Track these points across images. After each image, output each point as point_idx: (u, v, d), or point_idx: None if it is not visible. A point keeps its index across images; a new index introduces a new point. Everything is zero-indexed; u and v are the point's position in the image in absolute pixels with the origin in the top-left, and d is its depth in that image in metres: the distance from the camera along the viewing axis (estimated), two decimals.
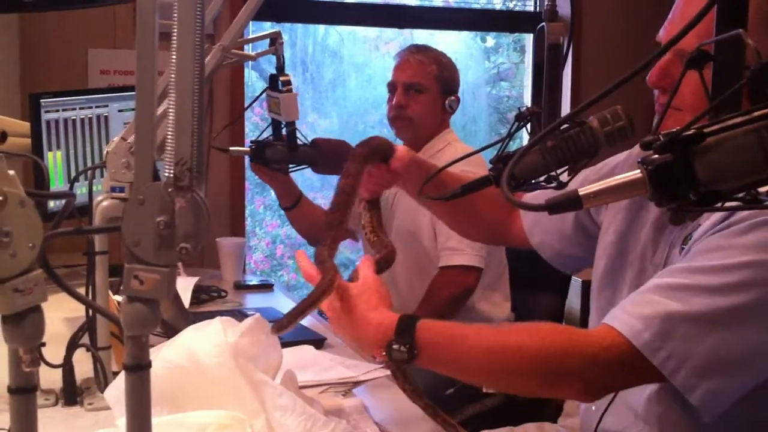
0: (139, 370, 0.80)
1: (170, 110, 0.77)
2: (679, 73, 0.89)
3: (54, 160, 2.43)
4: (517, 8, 4.21)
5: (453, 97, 2.83)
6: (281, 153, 1.91)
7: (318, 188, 4.75)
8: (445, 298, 2.56)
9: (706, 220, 1.28)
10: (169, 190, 0.77)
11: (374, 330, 1.27)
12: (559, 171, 1.26)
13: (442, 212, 1.77)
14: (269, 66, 2.00)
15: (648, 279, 1.37)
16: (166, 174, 0.77)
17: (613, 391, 1.32)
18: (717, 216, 1.25)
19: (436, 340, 1.25)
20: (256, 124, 4.20)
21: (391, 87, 2.82)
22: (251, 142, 2.00)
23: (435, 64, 2.80)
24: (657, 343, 1.18)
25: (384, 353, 1.25)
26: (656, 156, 0.80)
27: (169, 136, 0.76)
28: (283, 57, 1.92)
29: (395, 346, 1.23)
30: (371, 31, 4.62)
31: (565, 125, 1.25)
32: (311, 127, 4.45)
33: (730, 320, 1.19)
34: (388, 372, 1.77)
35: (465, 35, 4.51)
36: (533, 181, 1.28)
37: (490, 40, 4.76)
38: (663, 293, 1.21)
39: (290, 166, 2.27)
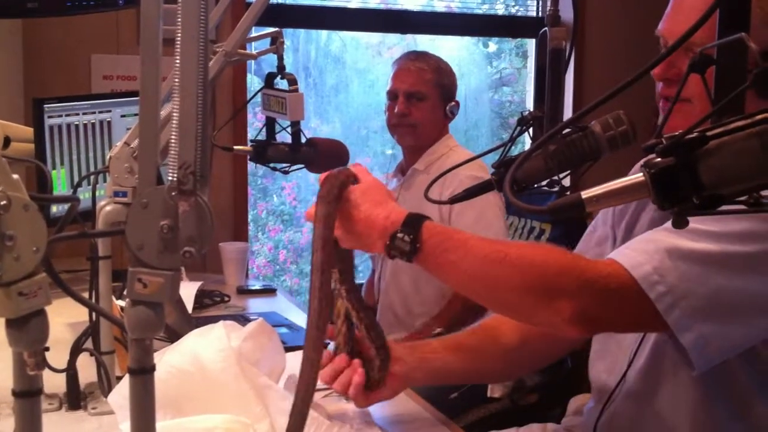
0: (143, 373, 0.80)
1: (174, 115, 0.77)
2: (684, 63, 0.89)
3: (57, 165, 2.43)
4: (519, 14, 4.21)
5: (453, 103, 2.86)
6: (283, 153, 1.90)
7: None
8: (463, 302, 2.56)
9: None
10: (173, 193, 0.77)
11: (382, 223, 1.24)
12: (561, 175, 1.27)
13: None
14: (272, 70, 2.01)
15: None
16: (170, 178, 0.77)
17: (605, 325, 1.28)
18: None
19: (440, 238, 1.23)
20: (258, 130, 4.20)
21: (392, 95, 2.85)
22: (251, 141, 1.99)
23: (435, 71, 2.83)
24: (656, 276, 1.17)
25: (387, 244, 1.23)
26: (659, 159, 0.81)
27: (172, 140, 0.77)
28: (283, 56, 1.92)
29: (399, 235, 1.22)
30: (374, 37, 4.63)
31: (568, 130, 1.26)
32: (314, 132, 4.46)
33: (734, 265, 1.17)
34: None
35: (467, 40, 4.51)
36: (535, 186, 1.28)
37: (492, 45, 4.77)
38: (668, 233, 1.20)
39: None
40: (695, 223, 1.19)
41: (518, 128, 1.38)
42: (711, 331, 1.17)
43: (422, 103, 2.80)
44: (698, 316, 1.17)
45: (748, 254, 1.17)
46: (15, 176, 0.76)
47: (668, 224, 1.19)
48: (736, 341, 1.21)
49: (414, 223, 1.23)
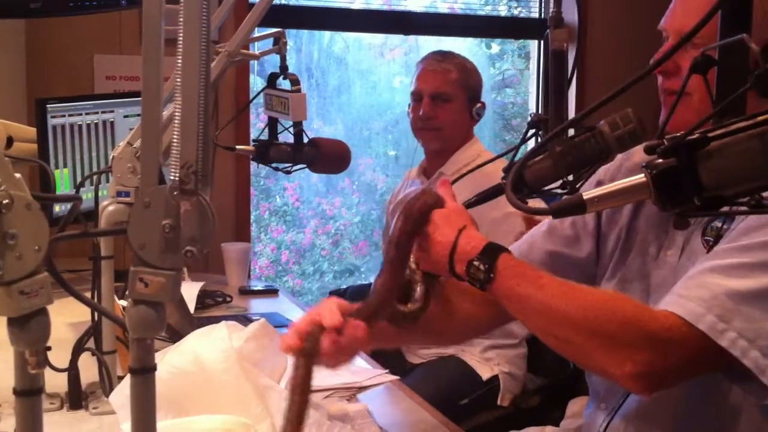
0: (144, 373, 0.80)
1: (176, 115, 0.77)
2: (682, 57, 0.89)
3: (60, 165, 2.44)
4: (521, 15, 4.21)
5: (479, 104, 2.76)
6: (285, 153, 1.90)
7: (323, 194, 4.76)
8: None
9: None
10: (175, 193, 0.77)
11: (461, 248, 1.25)
12: (571, 177, 1.26)
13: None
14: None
15: (657, 268, 1.37)
16: (172, 177, 0.77)
17: (670, 379, 1.24)
18: None
19: (515, 270, 1.23)
20: (260, 130, 4.20)
21: (416, 96, 2.74)
22: (254, 141, 1.99)
23: (461, 71, 2.74)
24: (722, 324, 1.15)
25: (464, 271, 1.24)
26: (660, 160, 0.81)
27: (174, 140, 0.77)
28: (286, 56, 1.92)
29: (476, 263, 1.22)
30: (376, 38, 4.63)
31: (575, 131, 1.26)
32: (316, 133, 4.44)
33: None
34: (393, 377, 1.78)
35: (470, 42, 4.52)
36: (544, 189, 1.28)
37: (495, 46, 4.77)
38: (717, 274, 1.19)
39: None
40: (742, 253, 1.19)
41: (529, 131, 1.37)
42: None
43: (448, 104, 2.70)
44: None
45: None
46: (18, 175, 0.76)
47: (711, 263, 1.20)
48: None
49: (491, 252, 1.23)
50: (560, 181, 1.28)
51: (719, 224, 1.30)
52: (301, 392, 1.11)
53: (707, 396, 1.31)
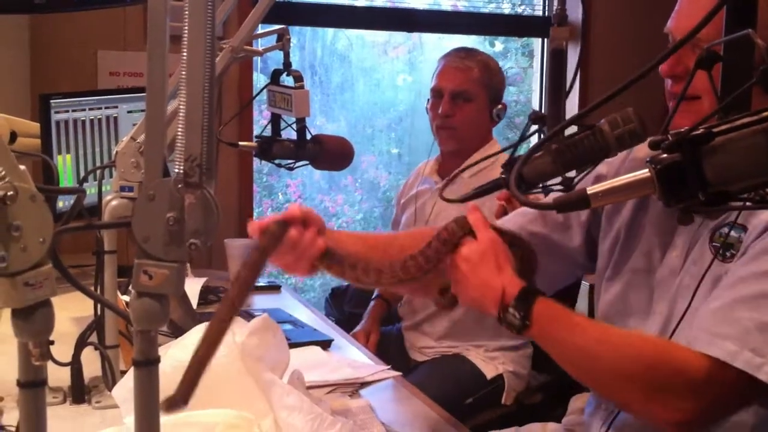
0: (147, 365, 0.80)
1: (180, 108, 0.77)
2: (691, 60, 0.89)
3: (63, 160, 2.44)
4: (525, 13, 4.21)
5: (500, 106, 2.67)
6: (288, 149, 1.90)
7: (326, 191, 4.76)
8: None
9: (751, 219, 1.27)
10: (179, 186, 0.77)
11: (497, 293, 1.25)
12: (570, 174, 1.26)
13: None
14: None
15: (660, 269, 1.37)
16: (176, 170, 0.77)
17: (713, 420, 1.26)
18: None
19: (550, 318, 1.24)
20: (263, 127, 4.21)
21: (436, 93, 2.67)
22: (257, 137, 1.99)
23: (483, 70, 2.65)
24: (758, 359, 1.16)
25: (500, 316, 1.25)
26: (665, 155, 0.81)
27: (179, 133, 0.77)
28: (289, 53, 1.92)
29: (511, 311, 1.23)
30: (380, 35, 4.63)
31: (577, 129, 1.25)
32: (319, 130, 4.45)
33: None
34: (395, 373, 1.78)
35: (473, 40, 4.51)
36: (541, 185, 1.28)
37: (499, 44, 4.77)
38: (746, 306, 1.19)
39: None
40: (758, 285, 1.19)
41: (530, 126, 1.37)
42: None
43: (468, 104, 2.62)
44: None
45: None
46: (22, 167, 0.76)
47: (738, 294, 1.20)
48: None
49: (527, 298, 1.24)
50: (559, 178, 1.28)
51: (727, 231, 1.30)
52: (243, 282, 1.10)
53: None
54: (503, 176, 1.37)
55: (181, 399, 0.92)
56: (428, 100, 2.73)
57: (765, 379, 1.15)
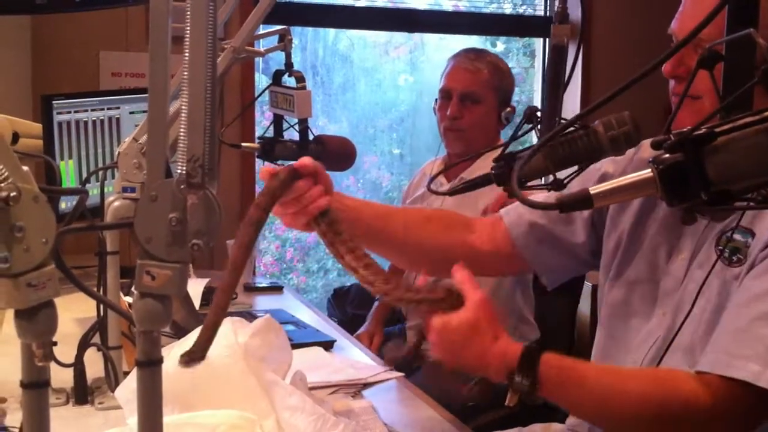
0: (150, 365, 0.80)
1: (182, 109, 0.77)
2: (693, 60, 0.89)
3: (66, 162, 2.44)
4: (526, 13, 4.21)
5: (509, 108, 2.61)
6: (290, 150, 1.90)
7: None
8: None
9: (757, 223, 1.27)
10: (182, 186, 0.77)
11: (498, 361, 1.24)
12: (562, 173, 1.26)
13: (390, 251, 1.65)
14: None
15: (666, 272, 1.38)
16: (179, 171, 0.77)
17: None
18: None
19: (558, 379, 1.23)
20: (265, 128, 4.22)
21: (445, 93, 2.63)
22: (259, 138, 1.99)
23: (493, 71, 2.62)
24: None
25: (507, 383, 1.24)
26: (667, 155, 0.80)
27: (181, 134, 0.77)
28: (291, 54, 1.92)
29: (517, 378, 1.22)
30: (381, 36, 4.63)
31: (572, 128, 1.25)
32: (321, 130, 4.45)
33: None
34: (398, 374, 1.78)
35: (474, 40, 4.51)
36: (529, 183, 1.28)
37: (500, 44, 4.76)
38: (764, 323, 1.19)
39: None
40: None
41: (524, 124, 1.37)
42: None
43: (476, 106, 2.58)
44: None
45: None
46: (25, 168, 0.76)
47: (756, 311, 1.20)
48: None
49: (530, 362, 1.22)
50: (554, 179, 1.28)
51: (740, 237, 1.29)
52: (252, 223, 1.15)
53: None
54: (492, 171, 1.37)
55: (198, 353, 0.98)
56: (436, 100, 2.70)
57: None
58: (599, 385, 1.25)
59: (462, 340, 1.24)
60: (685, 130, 0.80)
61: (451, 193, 1.44)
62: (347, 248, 1.28)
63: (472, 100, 2.59)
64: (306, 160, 1.35)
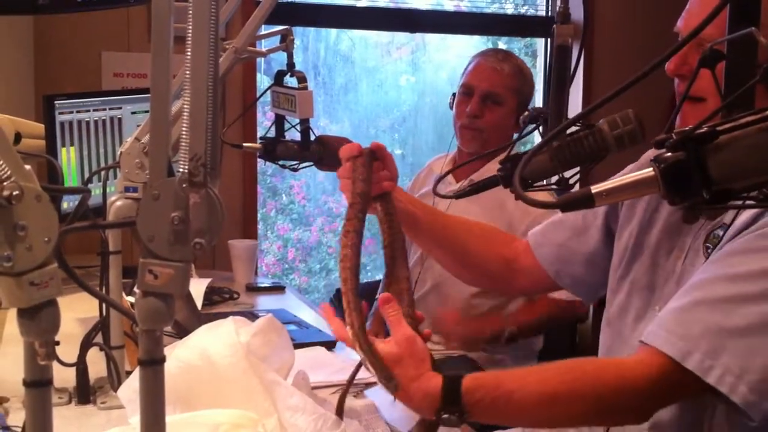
0: (153, 364, 0.80)
1: (185, 108, 0.77)
2: (696, 59, 0.90)
3: (68, 160, 2.44)
4: (528, 13, 4.21)
5: (526, 113, 2.60)
6: (292, 150, 1.90)
7: (330, 191, 4.76)
8: (549, 311, 2.46)
9: (736, 219, 1.27)
10: (184, 185, 0.77)
11: (421, 400, 1.24)
12: (568, 173, 1.26)
13: (435, 250, 1.73)
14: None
15: (665, 272, 1.37)
16: (181, 170, 0.77)
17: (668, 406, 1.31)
18: (749, 214, 1.23)
19: (484, 402, 1.22)
20: (267, 128, 4.22)
21: (466, 89, 2.58)
22: (261, 138, 1.99)
23: (517, 75, 2.58)
24: (708, 361, 1.17)
25: (436, 419, 1.24)
26: (669, 154, 0.80)
27: (183, 133, 0.77)
28: (293, 54, 1.92)
29: (445, 416, 1.22)
30: (383, 36, 4.63)
31: (576, 127, 1.26)
32: (323, 131, 4.45)
33: None
34: None
35: (476, 40, 4.51)
36: (535, 184, 1.28)
37: (502, 45, 4.76)
38: (706, 308, 1.20)
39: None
40: (731, 285, 1.20)
41: (528, 125, 1.37)
42: None
43: (497, 107, 2.54)
44: (765, 389, 1.17)
45: None
46: (27, 167, 0.76)
47: (701, 295, 1.21)
48: None
49: (452, 395, 1.22)
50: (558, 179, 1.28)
51: (721, 233, 1.30)
52: (363, 185, 1.39)
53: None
54: (498, 173, 1.37)
55: None
56: (453, 95, 2.65)
57: (712, 382, 1.16)
58: (526, 390, 1.24)
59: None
60: (686, 128, 0.80)
61: (458, 196, 1.44)
62: (397, 248, 1.41)
63: (494, 101, 2.55)
64: (381, 144, 1.50)
